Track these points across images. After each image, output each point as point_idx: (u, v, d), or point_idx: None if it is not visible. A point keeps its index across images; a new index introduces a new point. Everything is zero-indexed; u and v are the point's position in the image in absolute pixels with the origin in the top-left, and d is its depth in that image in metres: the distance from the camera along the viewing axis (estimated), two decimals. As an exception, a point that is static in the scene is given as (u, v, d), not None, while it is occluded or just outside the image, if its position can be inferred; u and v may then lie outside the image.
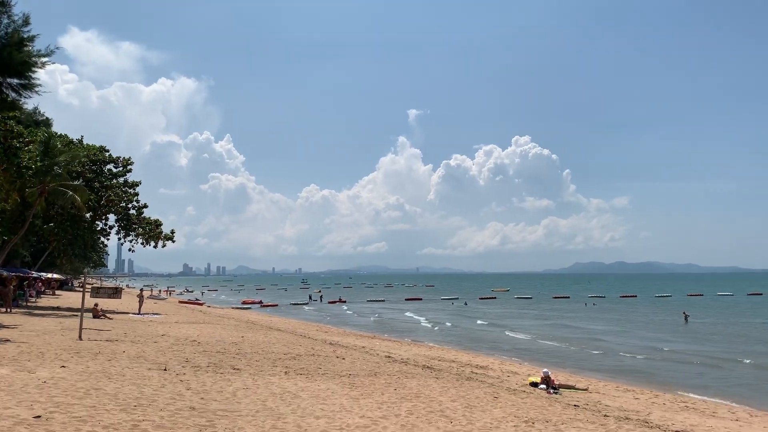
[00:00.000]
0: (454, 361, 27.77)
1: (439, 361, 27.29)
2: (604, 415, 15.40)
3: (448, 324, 56.97)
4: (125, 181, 47.56)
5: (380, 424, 11.77)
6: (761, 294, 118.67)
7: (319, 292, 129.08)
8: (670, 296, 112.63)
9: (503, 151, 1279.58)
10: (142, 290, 63.13)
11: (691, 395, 23.62)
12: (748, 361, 32.56)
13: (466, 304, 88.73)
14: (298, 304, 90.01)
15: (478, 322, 59.05)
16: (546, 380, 20.96)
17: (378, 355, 26.67)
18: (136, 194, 47.66)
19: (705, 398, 23.08)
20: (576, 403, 17.29)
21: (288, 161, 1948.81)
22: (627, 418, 15.37)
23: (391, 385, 17.09)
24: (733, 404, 22.05)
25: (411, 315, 68.29)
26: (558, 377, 24.82)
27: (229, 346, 24.19)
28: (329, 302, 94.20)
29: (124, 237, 47.45)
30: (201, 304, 75.04)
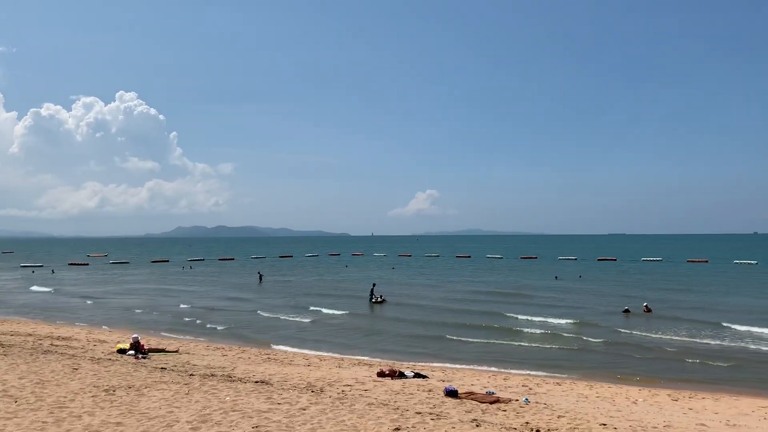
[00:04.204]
0: (31, 335, 24.81)
1: (12, 335, 24.05)
2: (190, 375, 15.71)
3: (34, 292, 50.76)
4: None
5: None
6: (339, 254, 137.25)
7: None
8: (264, 257, 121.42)
9: (106, 105, 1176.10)
10: None
11: (274, 347, 25.88)
12: (313, 310, 37.01)
13: (53, 272, 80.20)
14: None
15: (68, 289, 54.01)
16: (135, 346, 20.35)
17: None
18: None
19: (286, 348, 25.53)
20: (164, 366, 17.24)
21: None
22: (212, 375, 15.96)
23: (-60, 369, 14.37)
24: (307, 351, 24.94)
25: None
26: (150, 342, 24.42)
27: None
28: None
29: None
30: None
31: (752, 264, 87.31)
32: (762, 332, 28.02)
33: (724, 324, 30.18)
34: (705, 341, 26.18)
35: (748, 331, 28.49)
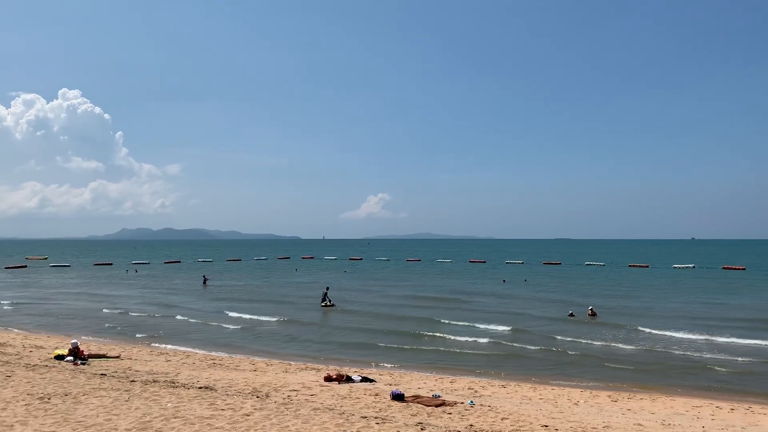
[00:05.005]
0: (-39, 341, 23.72)
1: (-59, 342, 22.96)
2: (131, 381, 15.30)
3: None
4: None
5: None
6: (289, 258, 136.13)
7: None
8: (212, 261, 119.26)
9: (48, 103, 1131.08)
10: None
11: (220, 353, 25.39)
12: (254, 316, 36.57)
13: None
14: None
15: (6, 294, 51.83)
16: (74, 352, 19.71)
17: None
18: None
19: (231, 355, 25.08)
20: (104, 372, 16.75)
21: None
22: (155, 381, 15.58)
23: None
24: (253, 357, 24.57)
25: None
26: (90, 347, 23.67)
27: None
28: None
29: None
30: None
31: (690, 267, 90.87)
32: (697, 338, 29.13)
33: (662, 330, 31.21)
34: (642, 345, 27.03)
35: (682, 336, 29.55)
